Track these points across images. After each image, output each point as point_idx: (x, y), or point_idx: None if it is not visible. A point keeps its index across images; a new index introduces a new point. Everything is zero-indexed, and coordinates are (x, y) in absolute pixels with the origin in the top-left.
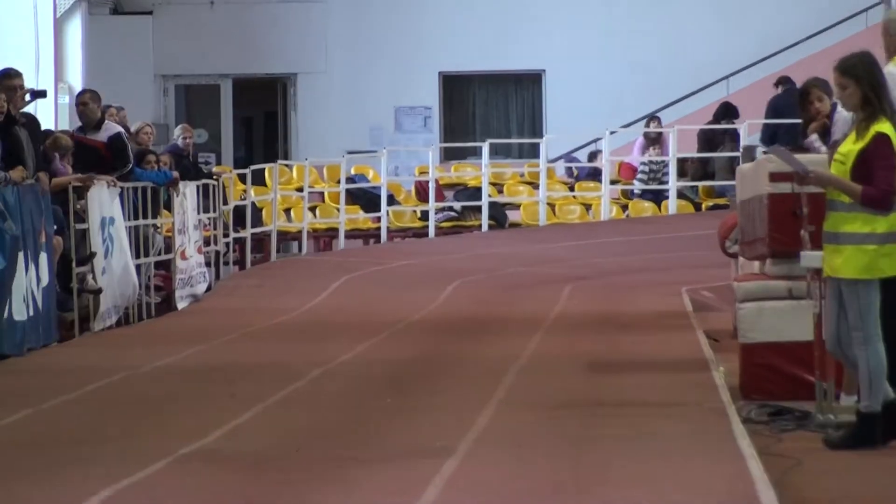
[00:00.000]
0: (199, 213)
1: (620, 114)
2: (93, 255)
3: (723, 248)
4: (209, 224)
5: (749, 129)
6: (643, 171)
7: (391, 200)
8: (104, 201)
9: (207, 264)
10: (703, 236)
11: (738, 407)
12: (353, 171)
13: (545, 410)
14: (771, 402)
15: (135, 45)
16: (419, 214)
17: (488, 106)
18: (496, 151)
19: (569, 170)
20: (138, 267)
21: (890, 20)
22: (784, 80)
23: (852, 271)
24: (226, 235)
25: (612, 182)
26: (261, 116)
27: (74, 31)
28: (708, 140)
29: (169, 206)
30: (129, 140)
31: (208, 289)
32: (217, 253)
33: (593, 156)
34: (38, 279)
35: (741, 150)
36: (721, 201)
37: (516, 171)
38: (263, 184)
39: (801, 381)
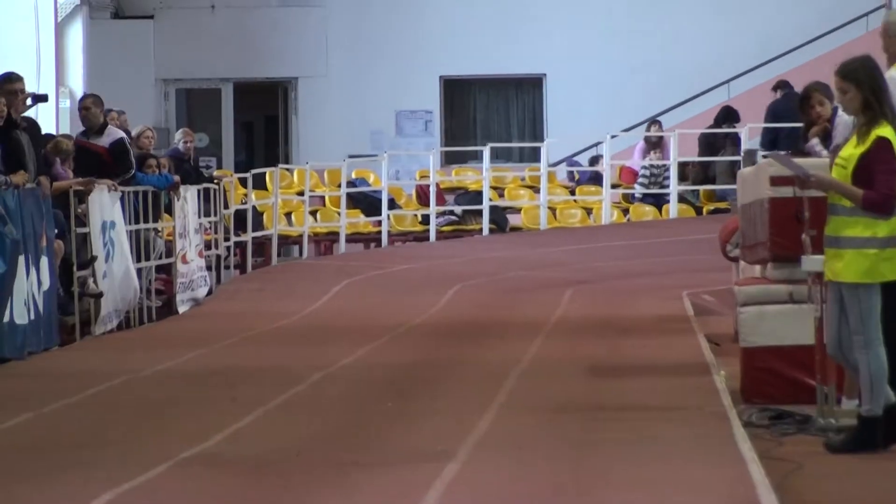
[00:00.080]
0: (200, 216)
1: (621, 117)
2: (94, 258)
3: (724, 251)
4: (210, 228)
5: (750, 133)
6: (644, 175)
7: (392, 204)
8: (105, 205)
9: (208, 268)
10: (704, 240)
11: (739, 411)
12: (353, 175)
13: (546, 414)
14: (772, 406)
15: (136, 50)
16: (420, 218)
17: (489, 110)
18: (497, 155)
19: (570, 173)
20: (139, 271)
21: (890, 22)
22: (782, 85)
23: (853, 275)
24: (227, 239)
25: (613, 186)
26: (261, 120)
27: (75, 35)
28: (709, 144)
29: (170, 210)
30: (131, 145)
31: (209, 292)
32: (218, 257)
33: (595, 160)
34: (39, 283)
35: (742, 153)
36: (722, 205)
37: (517, 174)
38: (264, 188)
39: (802, 384)
